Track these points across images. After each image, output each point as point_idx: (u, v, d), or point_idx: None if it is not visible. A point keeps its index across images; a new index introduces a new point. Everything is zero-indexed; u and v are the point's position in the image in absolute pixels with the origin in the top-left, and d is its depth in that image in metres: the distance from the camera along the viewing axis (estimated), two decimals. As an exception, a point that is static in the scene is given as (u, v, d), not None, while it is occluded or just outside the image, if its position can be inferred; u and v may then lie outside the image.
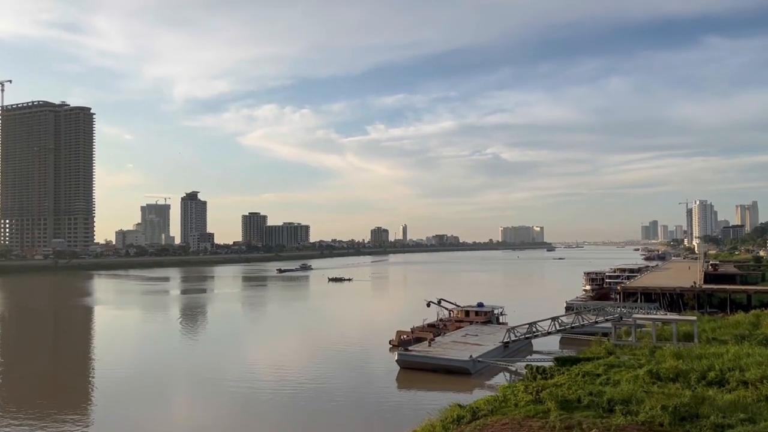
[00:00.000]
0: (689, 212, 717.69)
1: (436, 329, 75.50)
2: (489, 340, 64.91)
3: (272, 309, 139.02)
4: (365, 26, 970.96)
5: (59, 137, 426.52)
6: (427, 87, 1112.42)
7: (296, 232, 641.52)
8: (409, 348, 63.13)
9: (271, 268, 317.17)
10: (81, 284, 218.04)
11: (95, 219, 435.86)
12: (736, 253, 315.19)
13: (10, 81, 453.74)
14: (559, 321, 58.27)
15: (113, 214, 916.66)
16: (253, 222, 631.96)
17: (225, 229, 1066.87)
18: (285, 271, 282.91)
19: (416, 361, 59.96)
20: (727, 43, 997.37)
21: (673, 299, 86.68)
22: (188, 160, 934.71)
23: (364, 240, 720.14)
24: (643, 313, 57.11)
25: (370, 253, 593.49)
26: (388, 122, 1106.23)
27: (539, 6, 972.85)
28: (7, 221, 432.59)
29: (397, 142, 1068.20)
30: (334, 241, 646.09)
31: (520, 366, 53.98)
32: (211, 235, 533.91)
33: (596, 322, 58.20)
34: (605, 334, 56.15)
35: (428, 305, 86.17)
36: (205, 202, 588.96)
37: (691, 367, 37.20)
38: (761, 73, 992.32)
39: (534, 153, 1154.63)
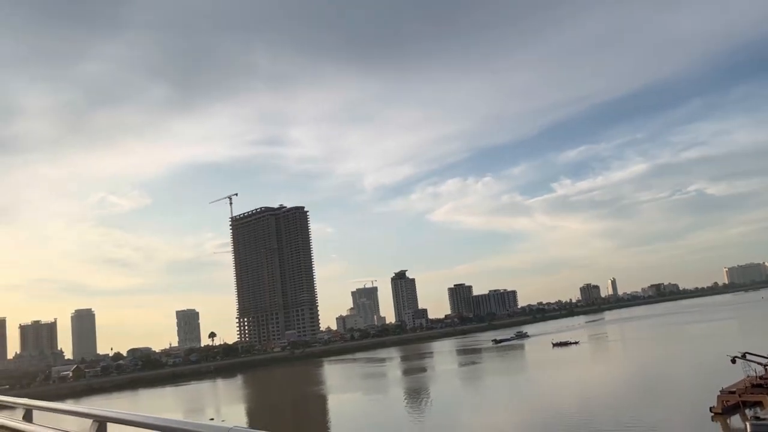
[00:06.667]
0: None
1: (765, 389, 66.39)
2: None
3: (510, 382, 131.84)
4: (534, 88, 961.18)
5: (281, 237, 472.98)
6: (609, 134, 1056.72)
7: (503, 298, 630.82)
8: (760, 417, 55.53)
9: (485, 338, 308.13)
10: (315, 372, 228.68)
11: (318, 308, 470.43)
12: None
13: (236, 194, 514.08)
14: None
15: (327, 302, 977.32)
16: (459, 293, 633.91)
17: (430, 304, 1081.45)
18: (501, 341, 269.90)
19: None
20: None
21: None
22: (384, 243, 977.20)
23: (572, 299, 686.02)
24: None
25: (583, 313, 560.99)
26: (573, 176, 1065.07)
27: (714, 34, 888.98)
28: (246, 319, 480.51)
29: (586, 195, 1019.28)
30: (541, 303, 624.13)
31: None
32: (425, 311, 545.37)
33: None
34: None
35: (733, 361, 75.26)
36: (413, 280, 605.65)
37: None
38: None
39: (745, 183, 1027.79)
